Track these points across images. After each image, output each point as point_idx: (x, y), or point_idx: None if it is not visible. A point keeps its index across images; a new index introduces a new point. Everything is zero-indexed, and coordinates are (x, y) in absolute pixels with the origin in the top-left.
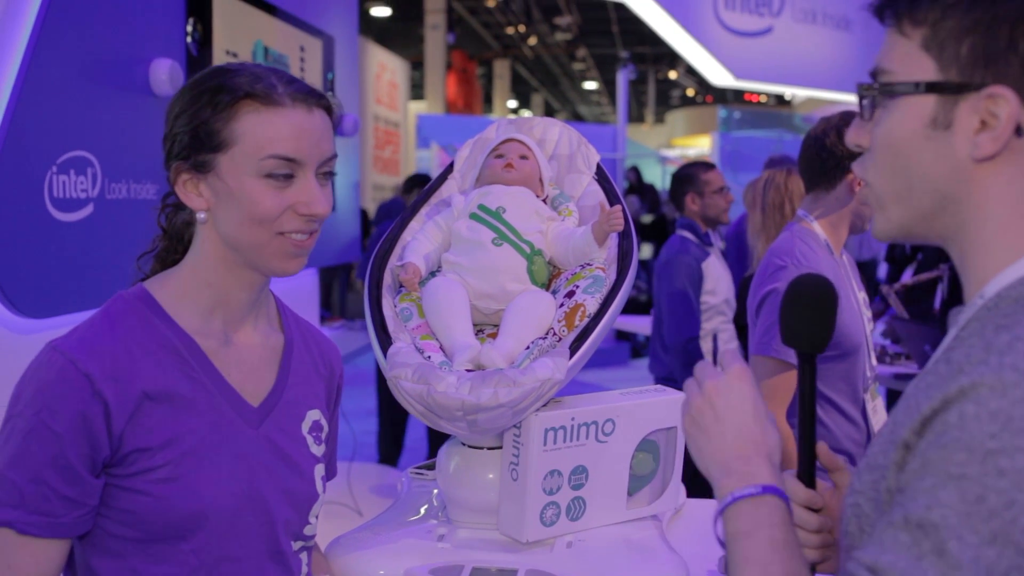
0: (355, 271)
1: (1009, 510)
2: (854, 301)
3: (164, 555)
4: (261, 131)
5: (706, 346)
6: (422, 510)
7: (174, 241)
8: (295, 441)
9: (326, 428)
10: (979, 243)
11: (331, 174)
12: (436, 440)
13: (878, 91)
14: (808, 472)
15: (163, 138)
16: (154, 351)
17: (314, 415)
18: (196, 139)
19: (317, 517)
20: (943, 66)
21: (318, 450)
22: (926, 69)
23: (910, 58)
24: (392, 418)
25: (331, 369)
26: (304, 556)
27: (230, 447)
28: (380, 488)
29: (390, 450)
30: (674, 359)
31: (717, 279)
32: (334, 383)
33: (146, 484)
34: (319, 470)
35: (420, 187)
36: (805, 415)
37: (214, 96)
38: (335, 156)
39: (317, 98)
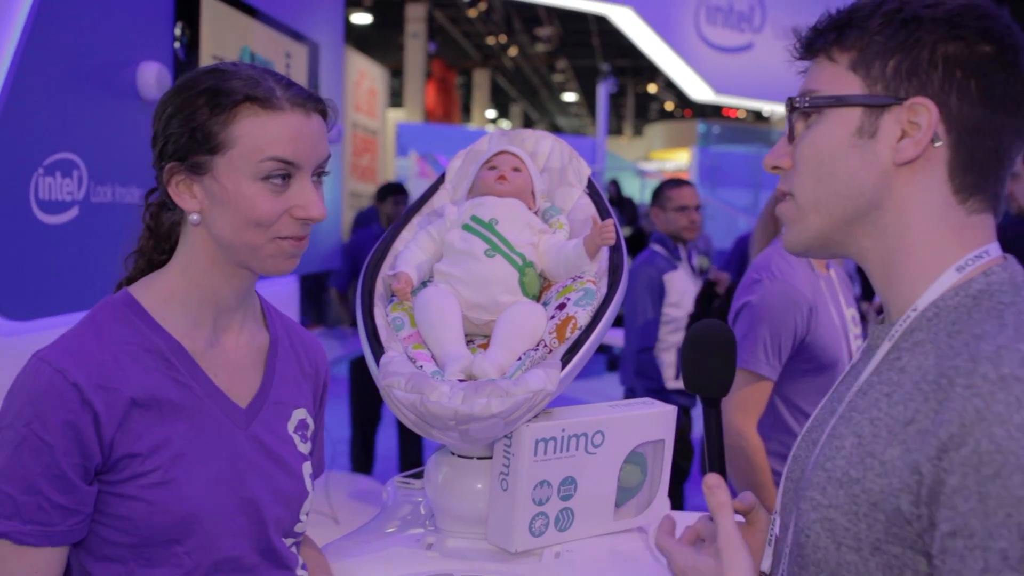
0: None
1: None
2: (835, 316)
3: (159, 558)
4: (260, 134)
5: (669, 358)
6: (409, 519)
7: (160, 240)
8: (283, 440)
9: (312, 426)
10: (902, 252)
11: (324, 174)
12: (407, 449)
13: (809, 105)
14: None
15: (153, 138)
16: (141, 357)
17: (300, 414)
18: (193, 140)
19: (307, 514)
20: (869, 83)
21: (305, 448)
22: (853, 86)
23: (838, 78)
24: (364, 427)
25: (316, 367)
26: (295, 550)
27: (220, 449)
28: (355, 496)
29: (362, 458)
30: (628, 368)
31: (682, 293)
32: (320, 381)
33: (138, 489)
34: (307, 468)
35: (394, 195)
36: (713, 456)
37: (212, 98)
38: (329, 156)
39: (315, 102)
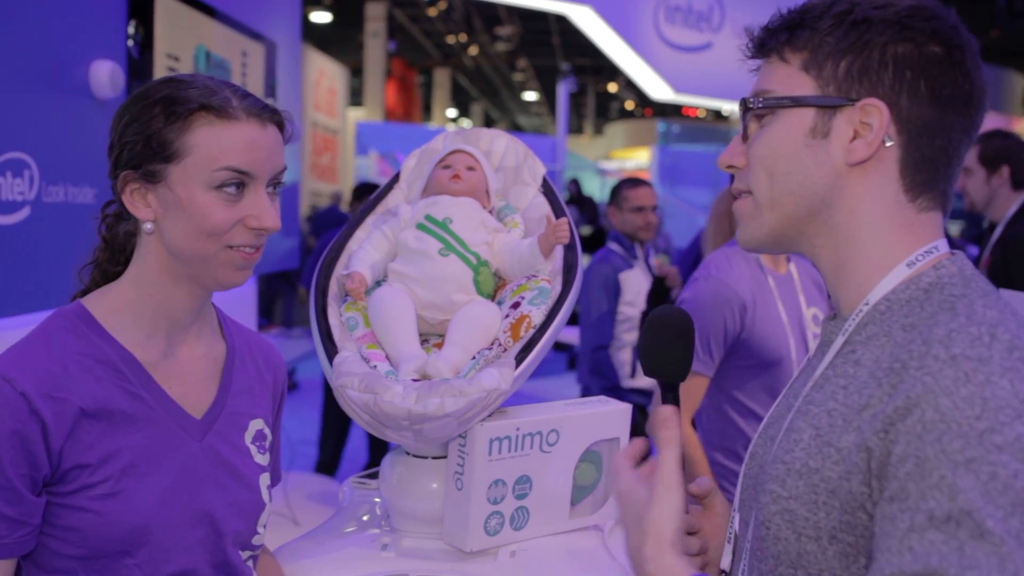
0: (300, 278)
1: (1018, 479)
2: (783, 314)
3: (109, 570)
4: (214, 143)
5: (625, 356)
6: (365, 519)
7: (115, 252)
8: (239, 452)
9: (269, 437)
10: (853, 249)
11: (279, 185)
12: (376, 450)
13: (762, 105)
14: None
15: (109, 146)
16: (91, 367)
17: (257, 424)
18: (147, 149)
19: (265, 526)
20: (822, 84)
21: (263, 459)
22: (806, 86)
23: (790, 79)
24: (336, 428)
25: (275, 376)
26: (251, 563)
27: (173, 461)
28: (317, 496)
29: (330, 459)
30: (583, 366)
31: (638, 292)
32: (278, 390)
33: (87, 501)
34: (264, 479)
35: (369, 195)
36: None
37: (168, 107)
38: (285, 169)
39: (271, 113)
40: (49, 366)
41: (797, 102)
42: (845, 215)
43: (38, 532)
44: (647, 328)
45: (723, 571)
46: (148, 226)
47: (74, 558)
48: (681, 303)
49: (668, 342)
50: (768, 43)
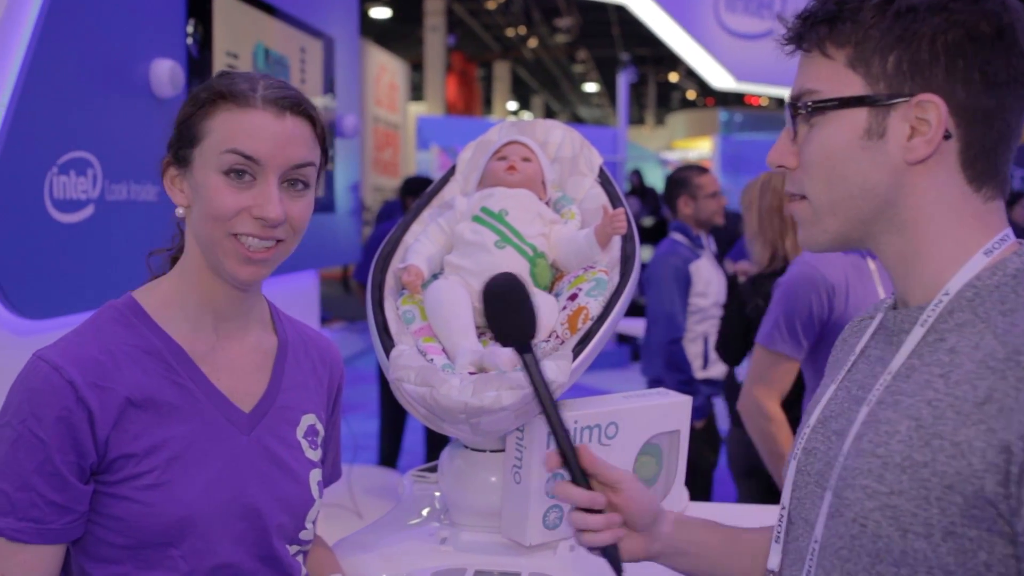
0: (352, 272)
1: None
2: (875, 295)
3: (154, 561)
4: (228, 127)
5: (696, 348)
6: (424, 513)
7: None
8: (289, 446)
9: (322, 432)
10: (924, 243)
11: (304, 183)
12: (433, 442)
13: (812, 109)
14: (581, 475)
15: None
16: (139, 358)
17: (309, 419)
18: (180, 135)
19: (314, 522)
20: (871, 81)
21: (314, 455)
22: (854, 85)
23: (837, 76)
24: (392, 420)
25: (330, 371)
26: (301, 559)
27: (218, 453)
28: (380, 490)
29: (390, 452)
30: (658, 361)
31: (707, 282)
32: (334, 386)
33: (132, 491)
34: (315, 475)
35: (418, 189)
36: (550, 418)
37: (199, 94)
38: (309, 165)
39: (292, 104)
40: (97, 356)
41: (848, 104)
42: (911, 211)
43: (85, 520)
44: (483, 300)
45: (771, 571)
46: (180, 211)
47: (120, 547)
48: (776, 286)
49: (503, 309)
50: (807, 36)
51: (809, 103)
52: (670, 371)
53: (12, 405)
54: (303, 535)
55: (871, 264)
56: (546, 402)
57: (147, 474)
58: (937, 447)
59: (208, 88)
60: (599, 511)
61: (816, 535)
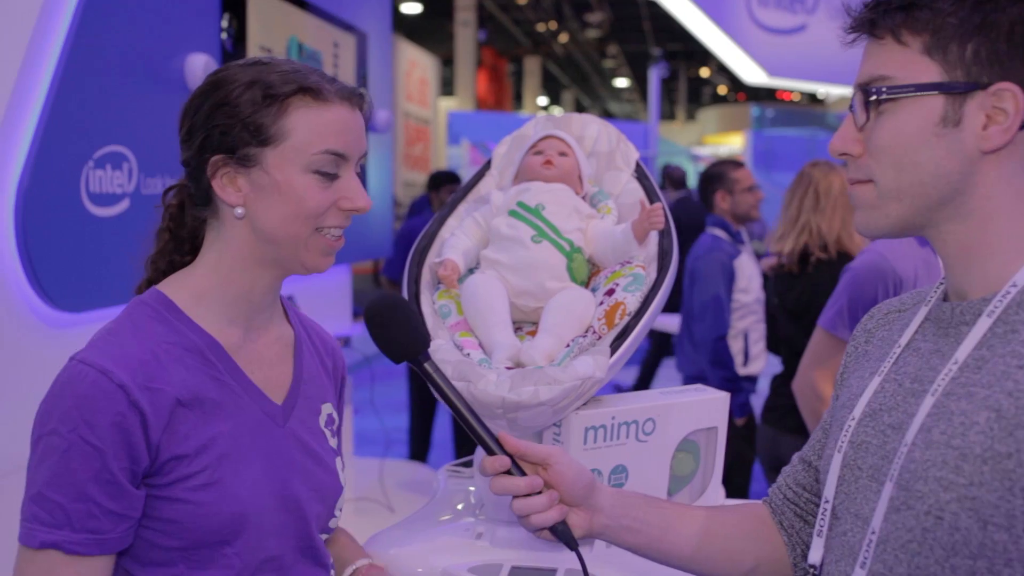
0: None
1: None
2: None
3: (208, 560)
4: (313, 126)
5: (736, 345)
6: (459, 508)
7: (182, 241)
8: (316, 436)
9: (337, 420)
10: (991, 234)
11: (362, 170)
12: (463, 437)
13: (887, 95)
14: (516, 465)
15: (187, 131)
16: (180, 356)
17: (327, 408)
18: (245, 132)
19: (341, 510)
20: (948, 68)
21: (334, 443)
22: (930, 72)
23: (912, 63)
24: (422, 415)
25: (334, 361)
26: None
27: (261, 448)
28: (411, 484)
29: (420, 446)
30: (703, 357)
31: (749, 277)
32: (339, 375)
33: (184, 492)
34: (339, 462)
35: (448, 184)
36: (462, 414)
37: (263, 89)
38: (367, 152)
39: (360, 98)
40: (141, 356)
41: (924, 90)
42: (980, 201)
43: (137, 525)
44: (367, 323)
45: (812, 566)
46: (239, 211)
47: (174, 549)
48: (845, 271)
49: (378, 329)
50: (880, 23)
51: (883, 89)
52: (715, 368)
53: (57, 412)
54: (332, 523)
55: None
56: (458, 403)
57: (198, 474)
58: (1021, 438)
59: (267, 83)
60: (539, 493)
61: (873, 528)
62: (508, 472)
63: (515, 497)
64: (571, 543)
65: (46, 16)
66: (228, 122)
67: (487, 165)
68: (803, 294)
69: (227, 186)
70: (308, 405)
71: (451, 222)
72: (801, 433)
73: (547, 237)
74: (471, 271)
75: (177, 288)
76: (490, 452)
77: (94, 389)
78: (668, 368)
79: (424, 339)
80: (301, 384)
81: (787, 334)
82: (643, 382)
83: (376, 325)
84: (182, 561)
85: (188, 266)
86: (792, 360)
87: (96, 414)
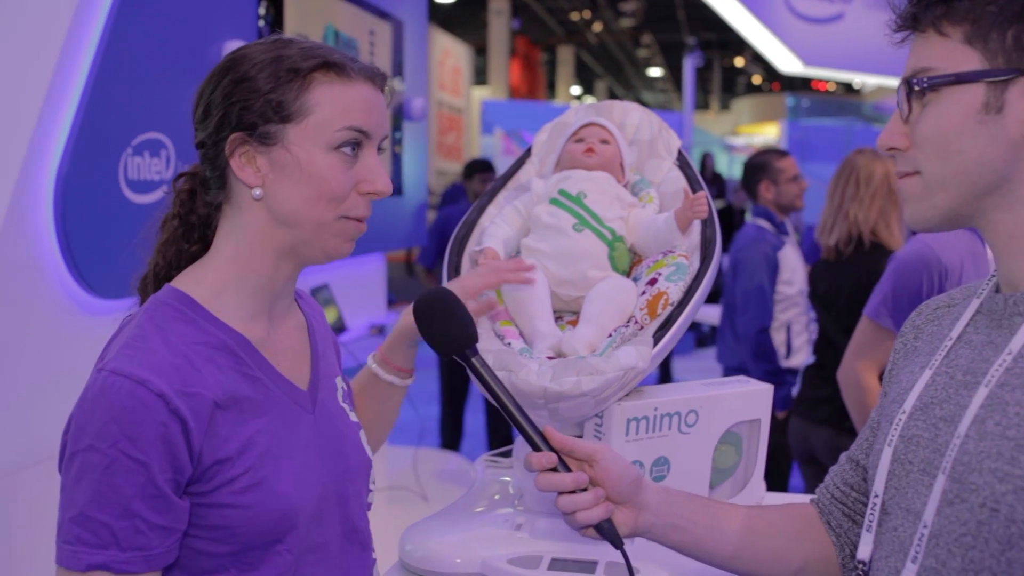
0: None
1: None
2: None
3: (260, 561)
4: (337, 102)
5: (780, 337)
6: (497, 498)
7: (191, 228)
8: (339, 414)
9: (347, 388)
10: None
11: (382, 151)
12: (496, 426)
13: (929, 85)
14: (560, 461)
15: (203, 110)
16: (210, 356)
17: (340, 383)
18: (267, 108)
19: (374, 482)
20: (989, 57)
21: (354, 416)
22: (971, 60)
23: (953, 54)
24: (453, 404)
25: (327, 329)
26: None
27: (297, 439)
28: (444, 473)
29: (452, 436)
30: (745, 349)
31: (793, 269)
32: (333, 339)
33: (230, 496)
34: (362, 435)
35: (481, 172)
36: (511, 413)
37: (283, 65)
38: (387, 136)
39: (381, 77)
40: (173, 360)
41: (965, 78)
42: None
43: (183, 537)
44: (415, 320)
45: (860, 562)
46: (257, 192)
47: (224, 555)
48: (891, 259)
49: (434, 323)
50: (922, 16)
51: (925, 80)
52: (757, 360)
53: (92, 427)
54: (370, 498)
55: (989, 251)
56: (504, 398)
57: (242, 476)
58: None
59: (288, 59)
60: (584, 490)
61: (924, 522)
62: (554, 468)
63: (560, 493)
64: (616, 541)
65: (84, 4)
66: (248, 98)
67: (527, 153)
68: (832, 283)
69: (246, 166)
70: (327, 385)
71: (491, 210)
72: (830, 425)
73: (589, 226)
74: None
75: (194, 283)
76: (535, 448)
77: (132, 400)
78: (707, 359)
79: (472, 334)
80: (319, 366)
81: (820, 324)
82: (664, 376)
83: (424, 319)
84: (233, 566)
85: (203, 258)
86: (822, 350)
87: (137, 427)
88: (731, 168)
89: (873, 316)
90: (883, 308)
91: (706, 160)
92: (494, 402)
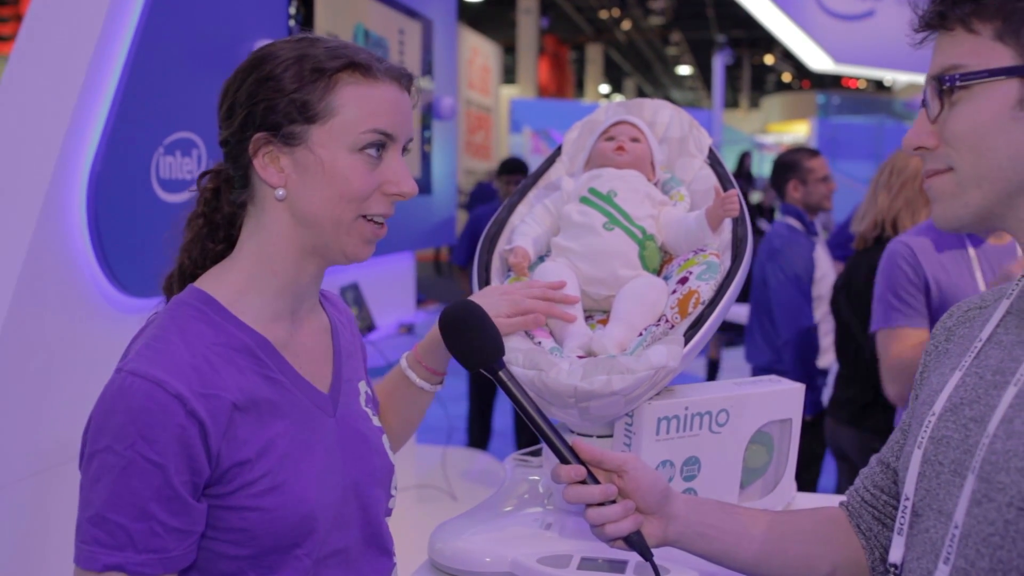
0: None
1: None
2: (979, 284)
3: (278, 564)
4: (362, 104)
5: None
6: (526, 497)
7: (216, 227)
8: (362, 418)
9: (372, 394)
10: None
11: (407, 152)
12: (524, 425)
13: (960, 82)
14: (589, 474)
15: (227, 109)
16: (231, 357)
17: (364, 387)
18: (291, 108)
19: (396, 488)
20: (1021, 52)
21: (377, 421)
22: (1003, 56)
23: (984, 50)
24: (481, 403)
25: (355, 331)
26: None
27: (318, 442)
28: (473, 472)
29: (480, 435)
30: (788, 351)
31: (825, 270)
32: (360, 343)
33: (249, 499)
34: (385, 440)
35: (514, 172)
36: (539, 426)
37: (309, 64)
38: (412, 138)
39: (408, 78)
40: (192, 361)
41: (1000, 74)
42: None
43: (200, 539)
44: (442, 334)
45: (892, 565)
46: (280, 192)
47: (243, 558)
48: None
49: (458, 338)
50: (950, 14)
51: (957, 76)
52: (799, 364)
53: (110, 428)
54: (391, 503)
55: (971, 252)
56: (532, 411)
57: (261, 479)
58: None
59: (314, 58)
60: (613, 501)
61: (956, 523)
62: (582, 481)
63: (588, 506)
64: (646, 553)
65: (117, 5)
66: (273, 98)
67: (557, 151)
68: (841, 275)
69: (269, 166)
70: (349, 389)
71: (521, 209)
72: (853, 425)
73: (619, 224)
74: (541, 259)
75: (217, 284)
76: (564, 460)
77: (149, 401)
78: (735, 359)
79: (499, 347)
80: (342, 369)
81: (839, 322)
82: (711, 375)
83: (451, 332)
84: (251, 569)
85: (227, 258)
86: (842, 350)
87: (153, 428)
88: (760, 166)
89: (881, 325)
90: (890, 311)
91: (744, 159)
92: (521, 414)
